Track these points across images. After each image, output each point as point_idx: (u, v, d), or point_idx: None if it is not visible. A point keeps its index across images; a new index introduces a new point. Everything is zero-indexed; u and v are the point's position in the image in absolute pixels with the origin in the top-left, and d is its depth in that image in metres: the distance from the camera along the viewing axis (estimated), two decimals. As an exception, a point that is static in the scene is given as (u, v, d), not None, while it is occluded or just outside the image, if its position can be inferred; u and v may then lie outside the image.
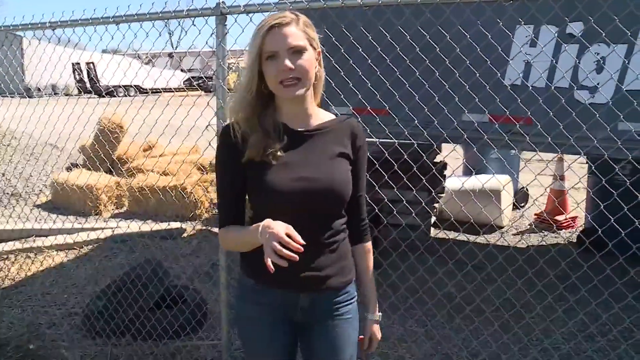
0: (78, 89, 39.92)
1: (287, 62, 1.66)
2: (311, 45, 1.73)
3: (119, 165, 8.79)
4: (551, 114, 3.21)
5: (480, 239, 6.04)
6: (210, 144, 2.97)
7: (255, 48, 1.70)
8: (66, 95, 38.47)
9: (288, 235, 1.53)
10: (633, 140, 3.52)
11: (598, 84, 3.78)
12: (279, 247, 1.50)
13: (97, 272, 5.27)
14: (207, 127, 2.97)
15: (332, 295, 1.87)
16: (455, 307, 3.99)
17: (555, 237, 6.32)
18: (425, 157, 5.34)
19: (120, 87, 38.87)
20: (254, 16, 2.81)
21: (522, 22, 3.60)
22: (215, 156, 1.86)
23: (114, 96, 37.38)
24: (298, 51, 1.68)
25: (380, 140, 4.68)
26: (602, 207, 3.25)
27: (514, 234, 6.46)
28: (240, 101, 1.78)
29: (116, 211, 7.61)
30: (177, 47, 62.25)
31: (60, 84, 39.43)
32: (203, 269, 5.24)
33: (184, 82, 45.41)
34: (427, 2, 2.49)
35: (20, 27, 3.59)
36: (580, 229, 6.38)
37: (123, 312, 3.72)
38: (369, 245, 2.01)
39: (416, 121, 3.31)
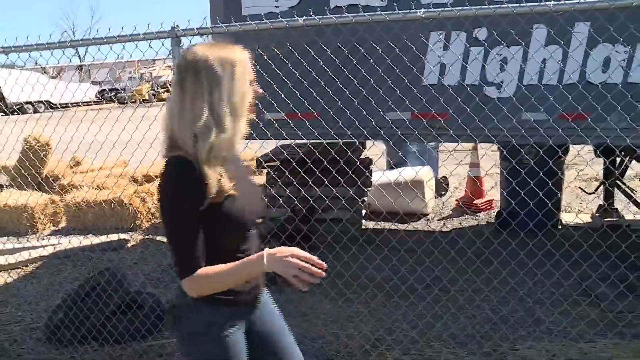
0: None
1: (257, 88, 1.85)
2: None
3: (50, 183, 8.76)
4: (470, 108, 3.70)
5: (409, 227, 6.59)
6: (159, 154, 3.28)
7: (249, 73, 1.82)
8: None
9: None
10: (533, 128, 4.09)
11: (502, 81, 4.33)
12: (304, 264, 1.69)
13: (47, 288, 5.39)
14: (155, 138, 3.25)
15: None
16: (392, 287, 4.46)
17: (475, 219, 6.95)
18: (353, 155, 5.82)
19: (29, 103, 37.37)
20: (207, 38, 3.14)
21: (443, 34, 4.12)
22: (170, 197, 1.78)
23: (24, 113, 35.98)
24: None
25: (312, 141, 5.16)
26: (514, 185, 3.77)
27: (438, 220, 7.03)
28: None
29: (53, 228, 7.64)
30: (84, 58, 60.45)
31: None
32: (153, 275, 5.46)
33: (96, 94, 44.21)
34: (361, 20, 2.90)
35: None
36: (497, 210, 7.02)
37: (93, 319, 3.93)
38: None
39: (357, 122, 3.74)
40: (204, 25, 3.08)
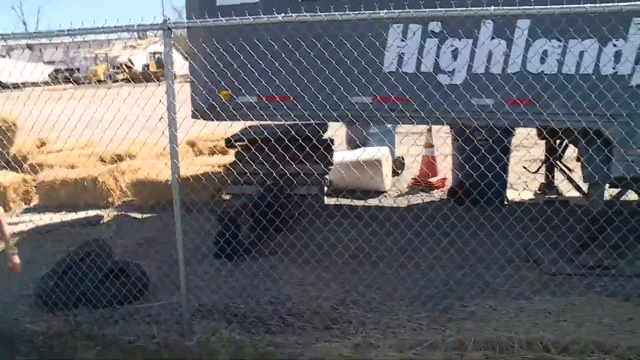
0: None
1: None
2: None
3: (18, 162, 8.94)
4: (424, 94, 4.20)
5: (367, 203, 7.11)
6: (162, 133, 3.67)
7: None
8: None
9: None
10: (477, 112, 4.62)
11: (454, 69, 4.84)
12: None
13: (30, 260, 5.64)
14: (160, 119, 3.64)
15: None
16: (351, 254, 4.98)
17: (430, 196, 7.50)
18: (315, 136, 6.27)
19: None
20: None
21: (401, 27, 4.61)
22: None
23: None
24: None
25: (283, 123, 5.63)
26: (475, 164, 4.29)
27: (395, 196, 7.55)
28: None
29: (25, 207, 7.85)
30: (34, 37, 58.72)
31: None
32: (130, 248, 5.82)
33: (50, 74, 43.23)
34: (331, 19, 3.33)
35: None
36: (449, 187, 7.58)
37: (85, 285, 4.29)
38: None
39: (328, 106, 4.19)
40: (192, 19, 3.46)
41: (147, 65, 41.34)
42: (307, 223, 5.82)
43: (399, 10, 3.25)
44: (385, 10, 3.28)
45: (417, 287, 4.55)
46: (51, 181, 7.56)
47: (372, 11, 3.30)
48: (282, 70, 4.76)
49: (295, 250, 4.92)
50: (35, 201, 7.95)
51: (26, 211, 7.66)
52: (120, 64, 42.27)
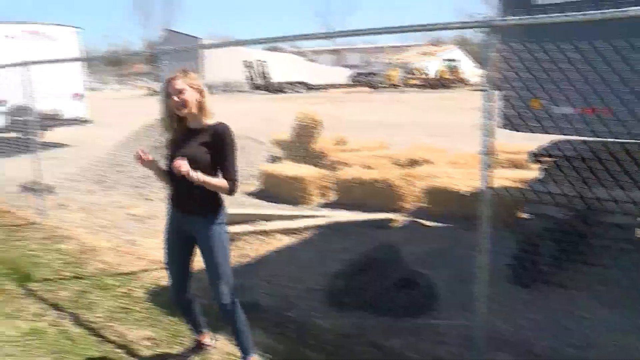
0: (251, 85, 42.41)
1: (175, 98, 3.23)
2: (191, 87, 3.24)
3: (319, 158, 9.56)
4: None
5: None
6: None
7: (170, 91, 3.24)
8: (238, 91, 41.09)
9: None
10: None
11: None
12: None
13: (321, 255, 5.88)
14: (478, 127, 3.33)
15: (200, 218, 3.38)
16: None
17: None
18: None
19: (289, 83, 40.69)
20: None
21: None
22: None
23: (284, 92, 39.45)
24: (180, 91, 3.21)
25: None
26: None
27: None
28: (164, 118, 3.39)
29: (322, 201, 8.29)
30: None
31: (233, 82, 42.17)
32: (420, 257, 5.63)
33: (349, 78, 46.61)
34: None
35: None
36: None
37: (373, 290, 4.23)
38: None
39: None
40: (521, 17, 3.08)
41: (439, 72, 41.99)
42: (618, 257, 5.00)
43: None
44: None
45: None
46: (348, 179, 7.86)
47: None
48: (607, 79, 4.11)
49: (604, 288, 4.23)
50: (331, 197, 8.35)
51: (323, 205, 8.07)
52: (414, 70, 43.57)
